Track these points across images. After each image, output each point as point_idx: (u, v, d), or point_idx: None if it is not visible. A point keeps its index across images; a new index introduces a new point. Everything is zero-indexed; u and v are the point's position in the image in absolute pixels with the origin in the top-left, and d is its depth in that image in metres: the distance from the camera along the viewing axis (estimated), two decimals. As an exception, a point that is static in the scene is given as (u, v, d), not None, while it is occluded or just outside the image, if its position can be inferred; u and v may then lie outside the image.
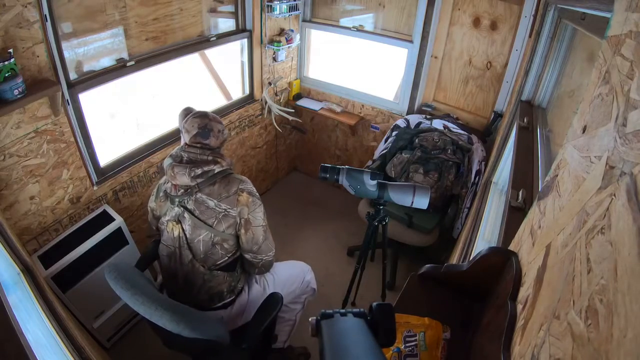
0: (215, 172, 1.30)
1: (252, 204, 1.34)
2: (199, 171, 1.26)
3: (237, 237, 1.37)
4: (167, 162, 1.31)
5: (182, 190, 1.31)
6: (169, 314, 1.09)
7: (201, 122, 1.30)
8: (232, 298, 1.45)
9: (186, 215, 1.31)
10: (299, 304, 1.78)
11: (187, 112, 1.46)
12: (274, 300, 1.43)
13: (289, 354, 1.88)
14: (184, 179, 1.26)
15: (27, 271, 1.34)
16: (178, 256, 1.36)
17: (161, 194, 1.40)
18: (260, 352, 1.66)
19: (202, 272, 1.35)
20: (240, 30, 2.40)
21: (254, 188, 1.38)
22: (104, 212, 1.81)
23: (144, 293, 1.15)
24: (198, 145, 1.30)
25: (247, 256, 1.40)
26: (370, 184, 1.44)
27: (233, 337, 1.27)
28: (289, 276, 1.66)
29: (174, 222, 1.34)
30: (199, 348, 1.32)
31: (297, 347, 1.91)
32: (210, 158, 1.29)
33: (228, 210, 1.30)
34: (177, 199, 1.32)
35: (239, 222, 1.33)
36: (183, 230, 1.33)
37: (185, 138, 1.33)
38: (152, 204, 1.45)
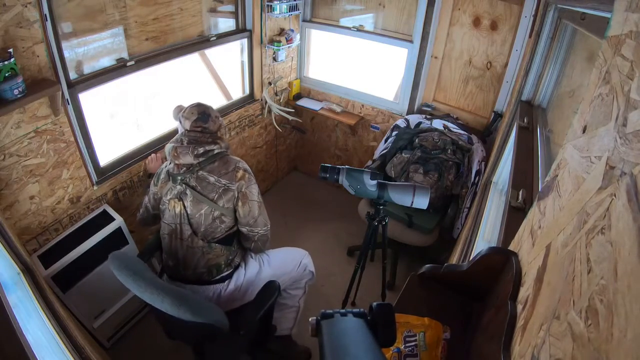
0: (215, 152, 1.43)
1: (248, 180, 1.47)
2: (201, 150, 1.38)
3: (235, 211, 1.47)
4: (169, 146, 1.42)
5: (185, 169, 1.42)
6: (170, 298, 1.15)
7: (200, 109, 1.44)
8: (229, 272, 1.55)
9: (188, 191, 1.42)
10: (300, 289, 1.81)
11: (182, 107, 1.55)
12: (270, 289, 1.50)
13: (291, 345, 1.89)
14: (187, 158, 1.38)
15: (27, 271, 1.34)
16: (179, 232, 1.47)
17: (162, 176, 1.50)
18: (259, 341, 1.72)
19: (200, 246, 1.46)
20: (240, 30, 2.40)
21: (249, 167, 1.51)
22: (104, 211, 1.81)
23: (146, 279, 1.21)
24: (198, 129, 1.42)
25: (244, 229, 1.51)
26: (370, 184, 1.44)
27: (231, 323, 1.32)
28: (285, 258, 1.73)
29: (176, 200, 1.44)
30: (198, 334, 1.37)
31: (300, 345, 1.92)
32: (210, 139, 1.42)
33: (228, 184, 1.43)
34: (179, 177, 1.42)
35: (236, 195, 1.44)
36: (184, 206, 1.44)
37: (185, 125, 1.44)
38: (154, 188, 1.55)
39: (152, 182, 1.57)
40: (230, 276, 1.55)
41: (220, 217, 1.44)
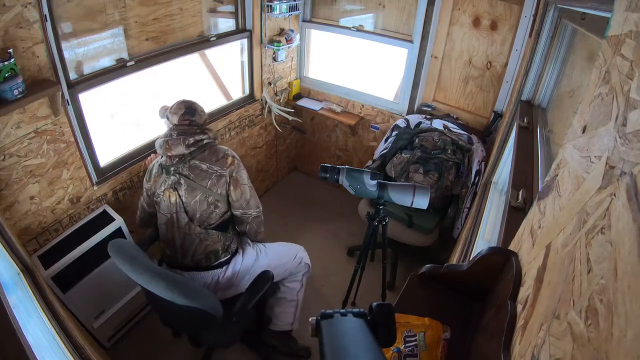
0: (205, 142, 1.50)
1: (238, 166, 1.54)
2: (192, 140, 1.45)
3: (228, 197, 1.54)
4: (160, 141, 1.48)
5: (177, 159, 1.48)
6: (164, 282, 1.21)
7: (186, 104, 1.52)
8: (227, 257, 1.61)
9: (182, 181, 1.48)
10: (297, 282, 1.84)
11: (167, 107, 1.60)
12: (264, 278, 1.55)
13: (292, 341, 1.91)
14: (179, 149, 1.44)
15: (27, 271, 1.34)
16: (175, 220, 1.52)
17: (154, 171, 1.54)
18: (253, 331, 1.80)
19: (198, 232, 1.52)
20: (240, 30, 2.40)
21: (236, 154, 1.58)
22: (104, 212, 1.81)
23: (143, 265, 1.26)
24: (186, 122, 1.50)
25: (238, 212, 1.58)
26: (370, 184, 1.44)
27: (226, 311, 1.38)
28: (282, 250, 1.80)
29: (171, 190, 1.50)
30: (192, 320, 1.42)
31: (301, 344, 1.93)
32: (198, 130, 1.50)
33: (219, 171, 1.49)
34: (172, 168, 1.48)
35: (228, 180, 1.51)
36: (179, 195, 1.49)
37: (173, 120, 1.51)
38: (147, 184, 1.59)
39: (144, 179, 1.61)
40: (227, 262, 1.61)
41: (215, 202, 1.51)
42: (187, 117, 1.50)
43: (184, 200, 1.49)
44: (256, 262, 1.67)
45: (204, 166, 1.48)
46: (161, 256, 1.67)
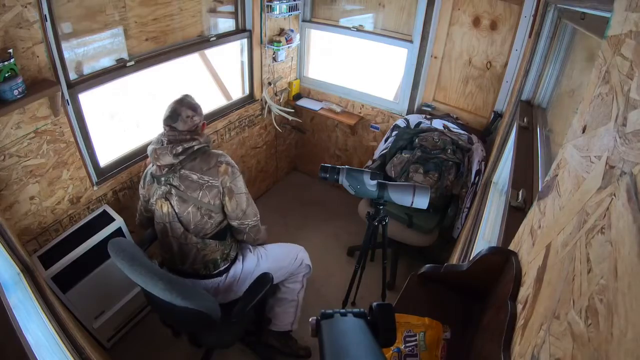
0: (195, 148, 1.40)
1: (232, 174, 1.45)
2: (180, 149, 1.37)
3: (223, 206, 1.48)
4: (150, 148, 1.42)
5: (167, 169, 1.41)
6: (163, 283, 1.20)
7: (173, 107, 1.41)
8: (227, 265, 1.58)
9: (173, 191, 1.43)
10: (298, 282, 1.83)
11: None
12: (264, 280, 1.53)
13: (291, 341, 1.91)
14: (167, 159, 1.37)
15: (27, 271, 1.34)
16: (169, 230, 1.48)
17: (147, 179, 1.50)
18: (253, 331, 1.80)
19: (195, 242, 1.47)
20: (240, 30, 2.40)
21: (231, 160, 1.49)
22: (104, 212, 1.81)
23: (142, 265, 1.26)
24: (167, 128, 1.41)
25: (234, 223, 1.52)
26: (370, 184, 1.44)
27: (225, 313, 1.38)
28: (282, 252, 1.77)
29: (163, 200, 1.45)
30: (190, 321, 1.41)
31: (301, 344, 1.93)
32: (188, 136, 1.40)
33: (211, 181, 1.42)
34: (162, 178, 1.43)
35: (222, 191, 1.44)
36: (171, 205, 1.44)
37: (162, 122, 1.44)
38: (142, 190, 1.56)
39: (139, 185, 1.59)
40: (227, 270, 1.58)
41: (209, 213, 1.45)
42: (168, 122, 1.39)
43: (176, 211, 1.44)
44: (257, 267, 1.63)
45: (194, 176, 1.40)
46: (162, 260, 1.65)
